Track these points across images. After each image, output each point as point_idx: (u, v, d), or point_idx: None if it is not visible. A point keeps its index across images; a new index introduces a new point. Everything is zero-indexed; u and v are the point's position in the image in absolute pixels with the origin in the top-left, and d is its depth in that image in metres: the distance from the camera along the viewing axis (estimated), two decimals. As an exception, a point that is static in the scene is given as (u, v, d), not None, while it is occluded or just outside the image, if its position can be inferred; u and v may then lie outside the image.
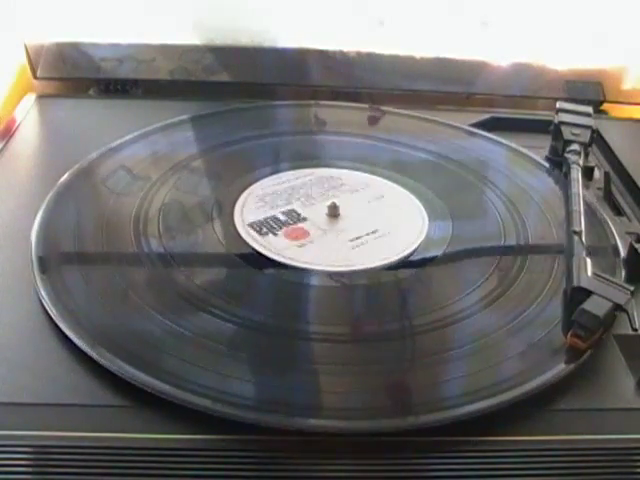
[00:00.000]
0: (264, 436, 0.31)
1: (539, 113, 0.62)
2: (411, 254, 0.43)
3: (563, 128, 0.54)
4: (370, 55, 0.65)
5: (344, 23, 0.63)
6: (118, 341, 0.36)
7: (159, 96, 0.63)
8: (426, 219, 0.47)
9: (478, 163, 0.54)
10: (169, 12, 0.62)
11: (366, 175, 0.52)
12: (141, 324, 0.37)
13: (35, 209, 0.44)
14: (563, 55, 0.65)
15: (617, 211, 0.50)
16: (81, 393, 0.33)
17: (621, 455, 0.32)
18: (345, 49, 0.65)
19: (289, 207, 0.47)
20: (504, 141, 0.56)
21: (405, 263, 0.43)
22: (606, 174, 0.53)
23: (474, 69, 0.66)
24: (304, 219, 0.46)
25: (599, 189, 0.52)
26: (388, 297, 0.41)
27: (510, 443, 0.32)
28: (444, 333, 0.38)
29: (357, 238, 0.44)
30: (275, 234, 0.44)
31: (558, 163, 0.53)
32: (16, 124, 0.56)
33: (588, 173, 0.52)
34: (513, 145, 0.56)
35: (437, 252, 0.44)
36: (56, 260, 0.41)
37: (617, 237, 0.45)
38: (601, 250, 0.44)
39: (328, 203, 0.47)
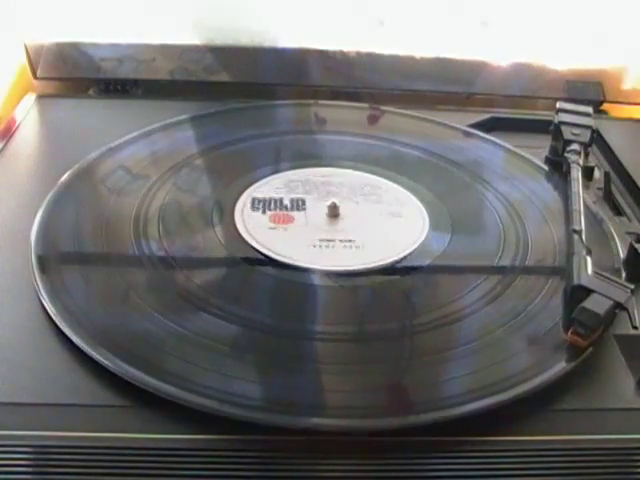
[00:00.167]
0: (265, 436, 0.31)
1: (539, 113, 0.62)
2: (411, 254, 0.43)
3: (563, 128, 0.54)
4: (370, 55, 0.65)
5: (344, 23, 0.63)
6: (118, 341, 0.36)
7: (159, 96, 0.63)
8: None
9: (477, 164, 0.54)
10: (169, 12, 0.62)
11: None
12: (141, 324, 0.37)
13: (35, 209, 0.44)
14: (563, 55, 0.65)
15: (617, 211, 0.50)
16: (81, 393, 0.33)
17: (621, 455, 0.32)
18: (345, 49, 0.65)
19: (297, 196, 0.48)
20: (503, 143, 0.56)
21: (406, 262, 0.43)
22: (606, 174, 0.53)
23: (474, 69, 0.66)
24: (302, 209, 0.47)
25: (599, 189, 0.52)
26: (389, 297, 0.41)
27: (511, 443, 0.32)
28: (445, 332, 0.38)
29: (349, 240, 0.44)
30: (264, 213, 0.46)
31: (558, 163, 0.53)
32: (16, 124, 0.56)
33: (588, 173, 0.52)
34: (512, 147, 0.56)
35: (437, 252, 0.44)
36: (56, 260, 0.41)
37: (617, 237, 0.45)
38: (601, 250, 0.44)
39: (328, 203, 0.47)
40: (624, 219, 0.49)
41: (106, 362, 0.34)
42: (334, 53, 0.65)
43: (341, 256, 0.43)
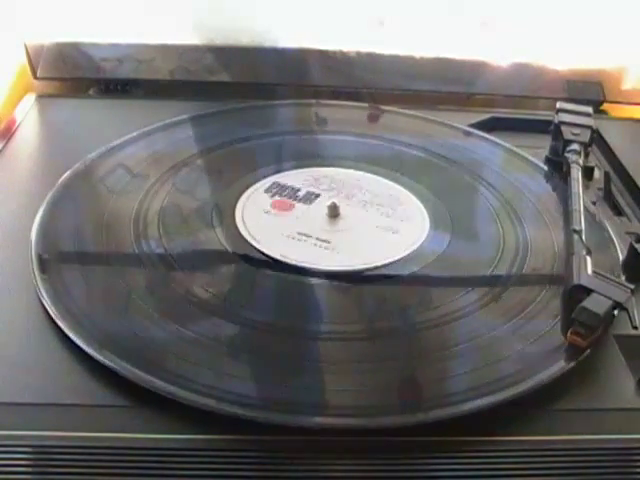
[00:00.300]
0: (265, 436, 0.32)
1: (539, 113, 0.62)
2: (411, 254, 0.43)
3: (563, 128, 0.54)
4: (370, 55, 0.65)
5: (344, 23, 0.63)
6: (118, 340, 0.36)
7: (159, 96, 0.63)
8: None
9: (478, 164, 0.54)
10: (169, 12, 0.62)
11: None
12: (141, 323, 0.37)
13: (35, 209, 0.44)
14: (563, 55, 0.65)
15: (617, 211, 0.50)
16: (81, 393, 0.33)
17: (621, 455, 0.32)
18: (345, 49, 0.65)
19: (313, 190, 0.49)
20: (504, 142, 0.56)
21: (406, 262, 0.43)
22: (606, 174, 0.53)
23: (474, 69, 0.66)
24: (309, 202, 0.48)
25: (599, 189, 0.52)
26: (389, 296, 0.41)
27: (510, 443, 0.32)
28: (444, 331, 0.38)
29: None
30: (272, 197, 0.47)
31: (558, 163, 0.53)
32: (16, 124, 0.56)
33: (588, 173, 0.52)
34: (513, 147, 0.56)
35: (438, 252, 0.44)
36: (56, 260, 0.41)
37: (617, 238, 0.45)
38: (600, 251, 0.44)
39: (328, 203, 0.47)
40: (624, 219, 0.49)
41: (106, 361, 0.34)
42: (334, 53, 0.65)
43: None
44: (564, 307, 0.39)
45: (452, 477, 0.31)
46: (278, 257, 0.42)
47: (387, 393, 0.35)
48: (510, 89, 0.66)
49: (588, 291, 0.37)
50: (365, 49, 0.65)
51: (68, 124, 0.57)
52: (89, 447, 0.31)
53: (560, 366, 0.35)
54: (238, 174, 0.50)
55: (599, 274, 0.39)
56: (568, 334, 0.36)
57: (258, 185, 0.49)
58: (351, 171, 0.52)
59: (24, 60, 0.63)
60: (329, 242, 0.44)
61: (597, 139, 0.55)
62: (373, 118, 0.61)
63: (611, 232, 0.46)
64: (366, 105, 0.62)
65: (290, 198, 0.48)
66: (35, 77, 0.64)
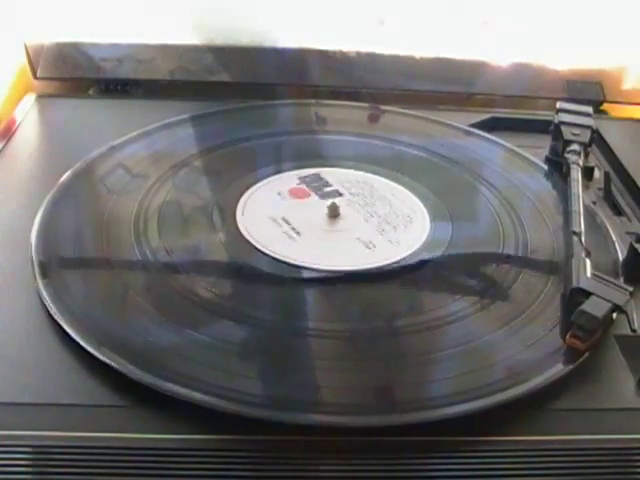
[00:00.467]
0: (264, 436, 0.32)
1: (539, 113, 0.62)
2: (411, 254, 0.43)
3: (563, 128, 0.54)
4: (370, 55, 0.65)
5: (344, 23, 0.63)
6: (118, 339, 0.36)
7: (159, 96, 0.63)
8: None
9: (478, 164, 0.54)
10: (169, 12, 0.62)
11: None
12: (141, 322, 0.37)
13: (35, 209, 0.44)
14: (563, 55, 0.65)
15: (617, 211, 0.50)
16: (81, 393, 0.33)
17: (621, 455, 0.32)
18: (345, 49, 0.65)
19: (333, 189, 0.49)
20: (505, 142, 0.56)
21: (404, 263, 0.43)
22: (606, 174, 0.53)
23: (474, 69, 0.66)
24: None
25: (599, 189, 0.52)
26: (387, 296, 0.41)
27: (510, 443, 0.32)
28: (443, 332, 0.38)
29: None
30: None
31: (558, 163, 0.53)
32: (16, 124, 0.56)
33: (588, 173, 0.52)
34: (514, 147, 0.56)
35: (436, 253, 0.44)
36: (56, 259, 0.41)
37: (616, 238, 0.45)
38: (600, 251, 0.44)
39: (328, 203, 0.47)
40: (624, 219, 0.49)
41: (106, 359, 0.34)
42: (334, 53, 0.65)
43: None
44: (563, 309, 0.39)
45: (450, 477, 0.31)
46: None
47: (385, 393, 0.35)
48: (510, 89, 0.66)
49: (587, 294, 0.37)
50: (365, 49, 0.65)
51: (68, 124, 0.57)
52: (88, 447, 0.31)
53: (558, 369, 0.35)
54: (239, 174, 0.50)
55: (598, 276, 0.39)
56: (567, 337, 0.36)
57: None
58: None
59: (24, 60, 0.63)
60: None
61: (597, 139, 0.55)
62: (373, 118, 0.61)
63: (611, 232, 0.46)
64: (366, 105, 0.62)
65: (313, 190, 0.49)
66: (35, 77, 0.64)
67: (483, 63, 0.66)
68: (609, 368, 0.37)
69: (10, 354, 0.35)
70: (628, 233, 0.47)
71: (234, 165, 0.52)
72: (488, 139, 0.57)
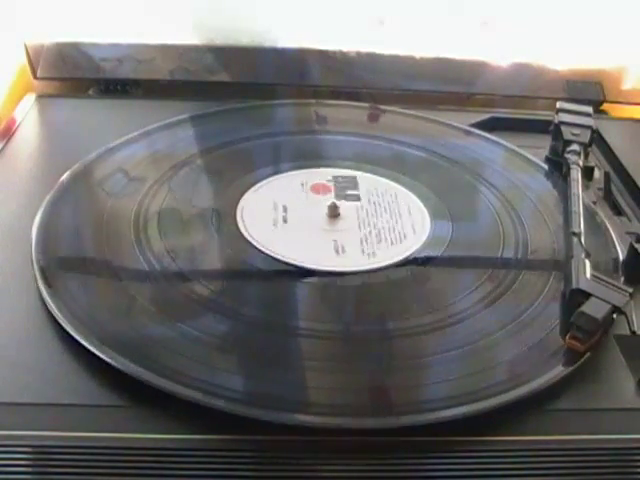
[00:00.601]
0: (263, 436, 0.32)
1: (539, 113, 0.62)
2: (410, 255, 0.43)
3: (563, 128, 0.54)
4: (370, 55, 0.65)
5: (344, 23, 0.63)
6: (118, 338, 0.36)
7: (159, 96, 0.63)
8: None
9: (478, 164, 0.54)
10: (169, 12, 0.62)
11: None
12: (141, 321, 0.37)
13: (35, 209, 0.44)
14: (563, 55, 0.65)
15: (617, 211, 0.50)
16: (81, 393, 0.33)
17: (621, 455, 0.32)
18: (345, 49, 0.65)
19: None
20: (505, 142, 0.56)
21: (403, 264, 0.43)
22: (606, 174, 0.53)
23: (474, 69, 0.66)
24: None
25: (599, 189, 0.52)
26: (386, 297, 0.41)
27: (509, 443, 0.32)
28: (443, 334, 0.38)
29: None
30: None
31: (558, 163, 0.53)
32: (16, 124, 0.56)
33: (588, 173, 0.52)
34: (514, 147, 0.56)
35: (436, 254, 0.44)
36: (56, 259, 0.41)
37: (616, 238, 0.45)
38: (600, 251, 0.44)
39: (328, 203, 0.47)
40: (624, 219, 0.49)
41: (106, 358, 0.34)
42: (334, 53, 0.65)
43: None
44: (563, 311, 0.39)
45: (450, 477, 0.31)
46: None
47: (383, 394, 0.35)
48: (510, 89, 0.66)
49: (587, 295, 0.37)
50: (365, 49, 0.65)
51: (68, 124, 0.57)
52: (88, 447, 0.31)
53: (559, 370, 0.35)
54: (239, 173, 0.50)
55: (598, 277, 0.39)
56: (567, 338, 0.36)
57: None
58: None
59: (24, 60, 0.63)
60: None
61: (597, 139, 0.55)
62: (373, 117, 0.61)
63: (611, 232, 0.46)
64: (366, 105, 0.62)
65: (336, 189, 0.49)
66: (35, 77, 0.64)
67: (483, 63, 0.66)
68: (609, 368, 0.37)
69: (10, 354, 0.35)
70: (628, 233, 0.47)
71: (234, 165, 0.52)
72: (488, 139, 0.57)
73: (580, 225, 0.44)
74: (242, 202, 0.47)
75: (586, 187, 0.50)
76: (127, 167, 0.50)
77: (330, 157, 0.53)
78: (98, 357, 0.34)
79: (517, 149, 0.55)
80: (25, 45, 0.63)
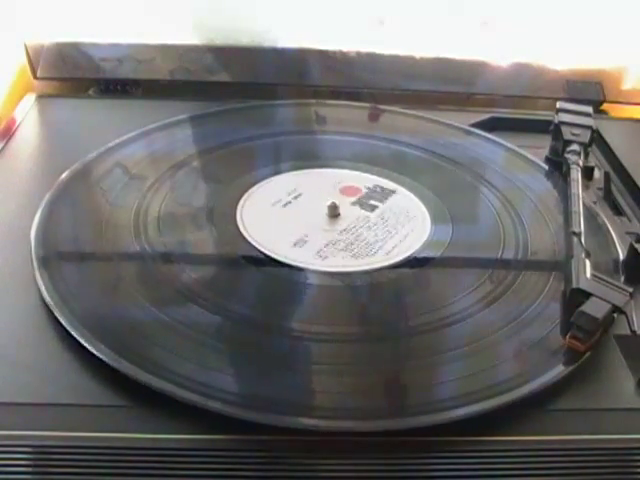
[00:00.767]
0: (264, 436, 0.32)
1: (539, 113, 0.62)
2: (411, 255, 0.43)
3: (563, 128, 0.54)
4: (370, 55, 0.65)
5: (344, 23, 0.63)
6: (120, 339, 0.36)
7: (159, 96, 0.63)
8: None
9: (478, 164, 0.54)
10: (169, 12, 0.62)
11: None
12: (144, 323, 0.37)
13: (35, 209, 0.44)
14: (563, 55, 0.65)
15: (617, 211, 0.50)
16: (81, 393, 0.33)
17: (621, 455, 0.32)
18: (345, 49, 0.65)
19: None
20: (505, 142, 0.56)
21: (404, 264, 0.43)
22: (606, 174, 0.53)
23: (474, 69, 0.66)
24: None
25: (599, 189, 0.52)
26: (387, 298, 0.41)
27: (510, 443, 0.32)
28: (443, 334, 0.38)
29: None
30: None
31: (558, 163, 0.53)
32: (16, 124, 0.56)
33: (588, 173, 0.52)
34: (514, 147, 0.56)
35: (436, 254, 0.44)
36: (56, 258, 0.41)
37: (617, 238, 0.45)
38: (600, 251, 0.44)
39: (328, 203, 0.47)
40: (624, 219, 0.49)
41: (108, 359, 0.34)
42: (334, 53, 0.65)
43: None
44: (563, 310, 0.39)
45: (450, 477, 0.31)
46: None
47: (384, 395, 0.35)
48: (510, 89, 0.66)
49: (587, 295, 0.37)
50: (365, 49, 0.65)
51: (68, 124, 0.57)
52: (89, 447, 0.31)
53: (558, 370, 0.35)
54: (238, 173, 0.50)
55: (598, 277, 0.39)
56: (567, 338, 0.36)
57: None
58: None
59: (24, 60, 0.63)
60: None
61: (597, 139, 0.55)
62: (373, 117, 0.61)
63: (611, 232, 0.46)
64: (366, 105, 0.62)
65: (362, 196, 0.49)
66: (35, 77, 0.64)
67: (483, 63, 0.66)
68: (609, 368, 0.37)
69: (10, 354, 0.35)
70: (628, 233, 0.47)
71: (234, 165, 0.52)
72: (488, 139, 0.57)
73: (580, 225, 0.44)
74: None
75: (586, 187, 0.50)
76: (127, 166, 0.50)
77: (330, 157, 0.53)
78: (98, 357, 0.34)
79: (517, 149, 0.55)
80: (25, 45, 0.63)
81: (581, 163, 0.51)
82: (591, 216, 0.47)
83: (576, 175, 0.49)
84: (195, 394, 0.32)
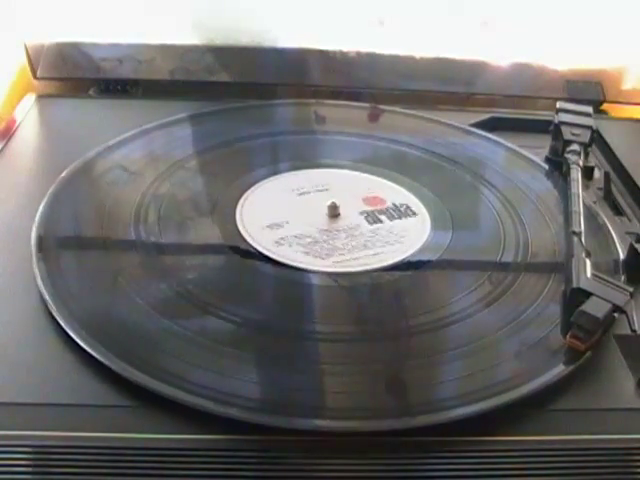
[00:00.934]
0: (264, 436, 0.32)
1: (539, 113, 0.62)
2: (411, 255, 0.43)
3: (563, 128, 0.54)
4: (370, 55, 0.65)
5: (344, 23, 0.63)
6: (120, 341, 0.36)
7: (159, 96, 0.63)
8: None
9: (478, 164, 0.54)
10: (169, 12, 0.62)
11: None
12: (143, 324, 0.37)
13: (35, 209, 0.44)
14: (563, 55, 0.65)
15: (617, 211, 0.50)
16: (81, 393, 0.33)
17: (621, 455, 0.32)
18: (345, 49, 0.65)
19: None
20: (505, 142, 0.56)
21: (404, 264, 0.43)
22: (606, 174, 0.53)
23: (474, 69, 0.66)
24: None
25: (599, 189, 0.52)
26: (387, 298, 0.41)
27: (510, 443, 0.32)
28: (444, 334, 0.38)
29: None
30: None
31: (558, 163, 0.53)
32: (16, 124, 0.56)
33: (588, 173, 0.52)
34: (515, 147, 0.56)
35: (436, 254, 0.44)
36: (56, 259, 0.41)
37: (617, 238, 0.45)
38: (601, 251, 0.44)
39: (328, 203, 0.47)
40: (624, 219, 0.49)
41: (108, 362, 0.34)
42: (334, 53, 0.65)
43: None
44: (563, 310, 0.39)
45: (451, 477, 0.31)
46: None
47: (385, 395, 0.35)
48: (510, 89, 0.66)
49: (587, 294, 0.37)
50: (365, 49, 0.65)
51: (68, 124, 0.58)
52: (89, 447, 0.31)
53: (559, 370, 0.35)
54: (238, 173, 0.50)
55: (598, 277, 0.39)
56: (567, 337, 0.36)
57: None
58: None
59: (24, 60, 0.63)
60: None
61: (597, 139, 0.55)
62: (373, 117, 0.61)
63: (611, 232, 0.46)
64: (366, 105, 0.62)
65: (386, 208, 0.48)
66: (35, 77, 0.64)
67: (483, 63, 0.66)
68: (609, 368, 0.37)
69: (10, 354, 0.35)
70: (628, 233, 0.47)
71: (234, 164, 0.52)
72: (488, 139, 0.57)
73: (580, 225, 0.44)
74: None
75: (586, 187, 0.50)
76: (126, 165, 0.50)
77: (330, 157, 0.53)
78: (97, 358, 0.34)
79: (517, 149, 0.55)
80: (25, 45, 0.63)
81: (581, 163, 0.51)
82: (591, 216, 0.47)
83: (576, 175, 0.49)
84: (198, 397, 0.33)
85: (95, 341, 0.35)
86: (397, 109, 0.61)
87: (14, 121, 0.57)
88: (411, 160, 0.54)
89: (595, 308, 0.36)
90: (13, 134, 0.55)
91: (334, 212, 0.47)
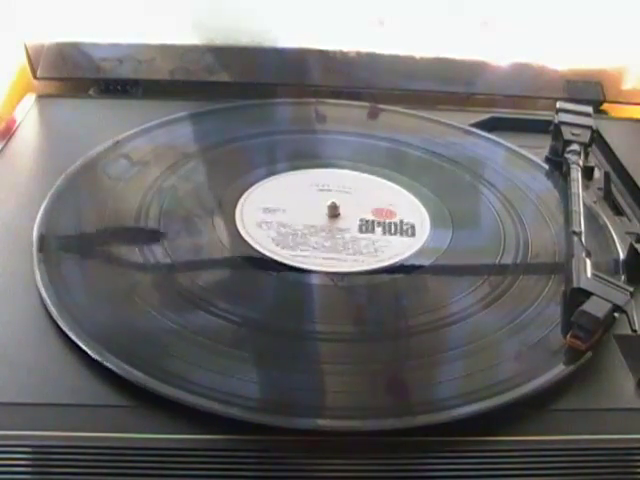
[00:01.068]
0: (265, 436, 0.32)
1: (539, 113, 0.62)
2: (411, 255, 0.43)
3: (563, 128, 0.54)
4: (370, 55, 0.65)
5: (344, 23, 0.63)
6: (119, 341, 0.36)
7: (159, 96, 0.63)
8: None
9: (478, 164, 0.54)
10: (169, 12, 0.62)
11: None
12: (142, 324, 0.37)
13: (35, 209, 0.44)
14: (563, 55, 0.65)
15: (617, 211, 0.50)
16: (81, 393, 0.33)
17: (621, 455, 0.32)
18: (345, 49, 0.65)
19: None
20: (505, 142, 0.56)
21: (405, 264, 0.43)
22: (606, 174, 0.53)
23: (474, 69, 0.66)
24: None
25: (599, 189, 0.52)
26: (387, 298, 0.41)
27: (510, 443, 0.32)
28: (445, 333, 0.38)
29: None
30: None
31: (558, 163, 0.53)
32: (16, 124, 0.56)
33: (588, 173, 0.52)
34: (514, 147, 0.56)
35: (437, 254, 0.44)
36: (57, 259, 0.41)
37: (617, 238, 0.45)
38: (601, 251, 0.44)
39: (328, 203, 0.47)
40: (624, 219, 0.49)
41: (107, 363, 0.34)
42: (334, 53, 0.65)
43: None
44: (564, 310, 0.39)
45: (451, 477, 0.31)
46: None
47: (386, 394, 0.35)
48: (510, 89, 0.66)
49: (588, 294, 0.37)
50: (365, 49, 0.65)
51: (68, 124, 0.58)
52: (89, 447, 0.31)
53: (559, 369, 0.35)
54: (239, 173, 0.50)
55: (599, 277, 0.39)
56: (568, 337, 0.36)
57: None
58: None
59: (24, 60, 0.63)
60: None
61: (597, 139, 0.55)
62: (372, 115, 0.61)
63: (612, 232, 0.46)
64: (367, 104, 0.62)
65: (394, 224, 0.46)
66: (35, 77, 0.64)
67: (483, 63, 0.66)
68: (609, 368, 0.37)
69: (10, 354, 0.35)
70: (628, 233, 0.47)
71: (234, 164, 0.52)
72: (488, 139, 0.57)
73: (581, 224, 0.44)
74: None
75: (586, 187, 0.50)
76: (125, 164, 0.50)
77: (329, 156, 0.53)
78: (97, 360, 0.34)
79: (517, 149, 0.55)
80: (25, 45, 0.63)
81: (581, 163, 0.51)
82: (591, 216, 0.47)
83: (576, 175, 0.49)
84: (193, 395, 0.33)
85: (95, 342, 0.35)
86: (397, 109, 0.61)
87: (14, 121, 0.57)
88: (411, 160, 0.54)
89: (595, 308, 0.36)
90: (13, 134, 0.55)
91: (334, 212, 0.47)
